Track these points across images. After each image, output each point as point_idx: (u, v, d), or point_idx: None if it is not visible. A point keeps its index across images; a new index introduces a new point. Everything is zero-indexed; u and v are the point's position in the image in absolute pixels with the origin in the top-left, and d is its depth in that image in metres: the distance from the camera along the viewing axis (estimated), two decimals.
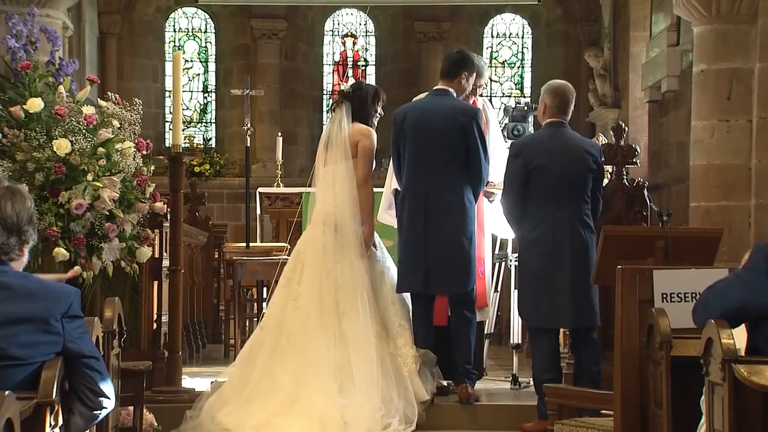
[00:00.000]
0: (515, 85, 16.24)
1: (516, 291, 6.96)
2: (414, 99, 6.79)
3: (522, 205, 5.92)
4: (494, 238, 6.95)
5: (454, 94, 6.28)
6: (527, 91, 16.04)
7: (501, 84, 16.23)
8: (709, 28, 8.27)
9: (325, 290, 5.95)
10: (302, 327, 5.88)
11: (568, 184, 5.85)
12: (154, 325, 6.51)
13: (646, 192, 6.78)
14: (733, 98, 8.16)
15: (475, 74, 6.36)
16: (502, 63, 16.22)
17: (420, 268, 6.06)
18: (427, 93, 6.56)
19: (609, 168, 7.03)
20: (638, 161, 7.01)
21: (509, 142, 6.97)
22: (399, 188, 6.36)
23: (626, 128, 7.17)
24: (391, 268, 6.20)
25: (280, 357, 5.82)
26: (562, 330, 6.69)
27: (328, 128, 6.28)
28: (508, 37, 16.23)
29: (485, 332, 6.93)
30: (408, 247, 6.12)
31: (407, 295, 6.22)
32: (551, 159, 5.87)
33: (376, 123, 6.30)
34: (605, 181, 6.92)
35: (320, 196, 6.20)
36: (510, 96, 16.00)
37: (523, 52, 16.22)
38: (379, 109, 6.28)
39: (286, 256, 6.53)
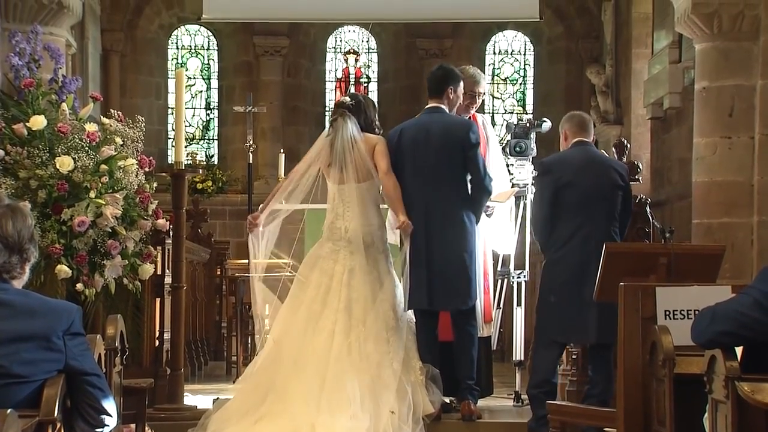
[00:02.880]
0: (517, 101, 16.26)
1: (518, 308, 6.96)
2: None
3: (551, 222, 5.97)
4: (495, 255, 6.95)
5: (446, 110, 6.32)
6: (529, 107, 16.06)
7: (503, 101, 16.26)
8: (711, 46, 8.29)
9: (354, 313, 5.89)
10: (323, 352, 5.80)
11: (596, 199, 5.92)
12: (156, 343, 6.50)
13: (648, 209, 6.78)
14: (735, 115, 8.16)
15: (461, 86, 6.37)
16: (504, 80, 16.25)
17: (423, 285, 6.06)
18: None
19: None
20: (640, 178, 7.01)
21: (512, 158, 6.99)
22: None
23: (628, 145, 7.19)
24: (399, 285, 6.19)
25: (297, 379, 5.73)
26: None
27: (323, 143, 6.11)
28: (510, 53, 16.26)
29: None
30: (411, 264, 6.13)
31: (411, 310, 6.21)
32: (579, 175, 5.96)
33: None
34: None
35: (336, 214, 6.11)
36: (512, 112, 16.01)
37: (525, 68, 16.25)
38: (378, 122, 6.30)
39: (289, 273, 6.51)
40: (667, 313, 4.43)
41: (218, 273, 10.47)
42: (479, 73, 6.63)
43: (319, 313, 5.89)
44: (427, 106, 6.41)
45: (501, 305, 7.07)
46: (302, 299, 5.99)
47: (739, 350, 3.48)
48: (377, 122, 6.26)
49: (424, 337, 6.11)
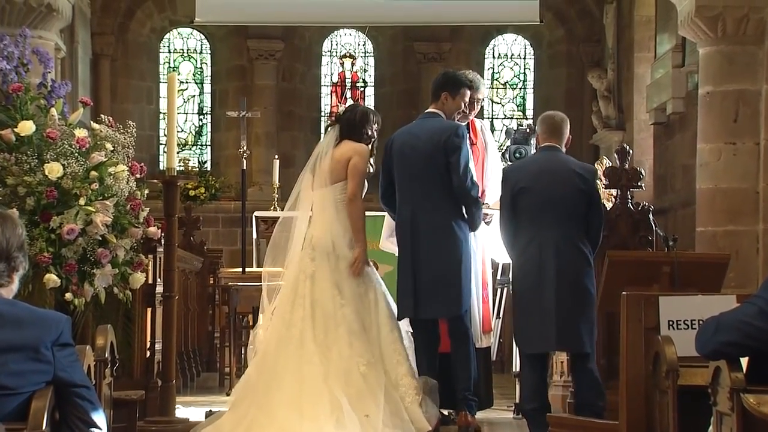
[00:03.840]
0: (517, 106, 16.28)
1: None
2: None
3: (513, 229, 5.98)
4: (495, 263, 6.95)
5: (443, 116, 6.34)
6: (529, 112, 16.07)
7: (503, 105, 16.28)
8: (715, 50, 8.30)
9: (317, 321, 5.95)
10: (297, 359, 5.86)
11: (553, 204, 5.88)
12: (147, 353, 6.48)
13: (651, 216, 6.79)
14: (739, 121, 8.17)
15: (461, 93, 6.37)
16: (504, 84, 16.28)
17: (409, 293, 6.11)
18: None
19: (613, 192, 7.04)
20: (643, 185, 7.02)
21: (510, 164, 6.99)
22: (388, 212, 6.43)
23: (631, 151, 7.19)
24: (386, 294, 6.20)
25: (277, 389, 5.80)
26: (559, 359, 6.69)
27: (315, 152, 6.35)
28: (509, 57, 16.29)
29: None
30: (399, 273, 6.21)
31: (405, 322, 6.22)
32: (535, 180, 5.95)
33: (370, 145, 6.33)
34: (609, 205, 6.93)
35: (311, 221, 6.23)
36: (512, 118, 16.03)
37: (525, 73, 16.27)
38: (371, 131, 6.31)
39: (281, 282, 6.54)
40: (671, 323, 4.43)
41: (211, 282, 10.47)
42: (478, 78, 6.64)
43: (289, 321, 5.98)
44: (425, 111, 6.47)
45: (501, 315, 7.07)
46: (279, 308, 6.09)
47: (744, 361, 3.48)
48: (368, 131, 6.28)
49: (422, 348, 6.12)
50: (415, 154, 6.19)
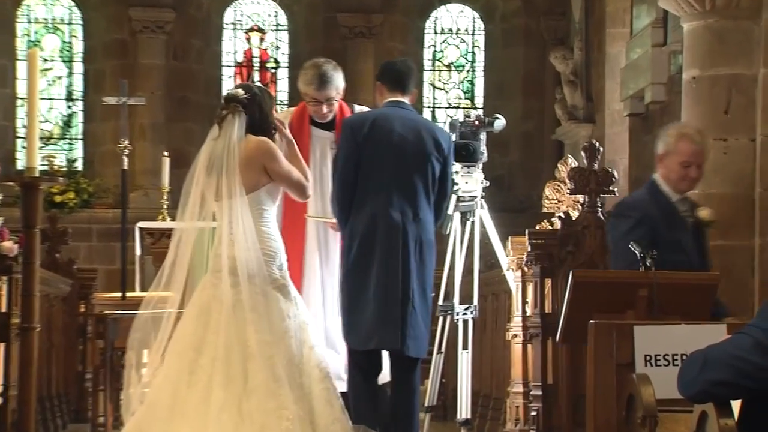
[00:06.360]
0: (464, 93, 16.41)
1: (464, 352, 7.01)
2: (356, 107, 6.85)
3: None
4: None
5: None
6: (479, 100, 16.22)
7: (446, 92, 16.40)
8: (703, 25, 8.41)
9: (233, 363, 5.88)
10: (199, 415, 5.80)
11: None
12: (0, 400, 6.42)
13: None
14: (731, 112, 8.29)
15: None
16: (448, 66, 16.40)
17: (396, 319, 6.08)
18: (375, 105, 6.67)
19: (580, 198, 7.13)
20: (616, 189, 7.11)
21: (456, 164, 7.02)
22: (339, 215, 6.33)
23: (601, 148, 7.28)
24: (307, 321, 6.17)
25: None
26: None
27: (210, 147, 6.06)
28: (455, 33, 16.42)
29: (425, 404, 6.95)
30: (377, 291, 6.12)
31: (328, 352, 6.21)
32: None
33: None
34: (575, 214, 7.01)
35: (219, 237, 6.13)
36: (458, 107, 16.15)
37: (473, 52, 16.41)
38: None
39: (176, 310, 6.52)
40: (648, 358, 4.49)
41: (82, 310, 10.36)
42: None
43: (195, 361, 5.90)
44: (391, 99, 6.38)
45: (442, 349, 7.10)
46: (176, 345, 5.99)
47: (736, 404, 3.53)
48: (273, 118, 6.24)
49: (364, 390, 6.13)
50: (408, 148, 6.20)
